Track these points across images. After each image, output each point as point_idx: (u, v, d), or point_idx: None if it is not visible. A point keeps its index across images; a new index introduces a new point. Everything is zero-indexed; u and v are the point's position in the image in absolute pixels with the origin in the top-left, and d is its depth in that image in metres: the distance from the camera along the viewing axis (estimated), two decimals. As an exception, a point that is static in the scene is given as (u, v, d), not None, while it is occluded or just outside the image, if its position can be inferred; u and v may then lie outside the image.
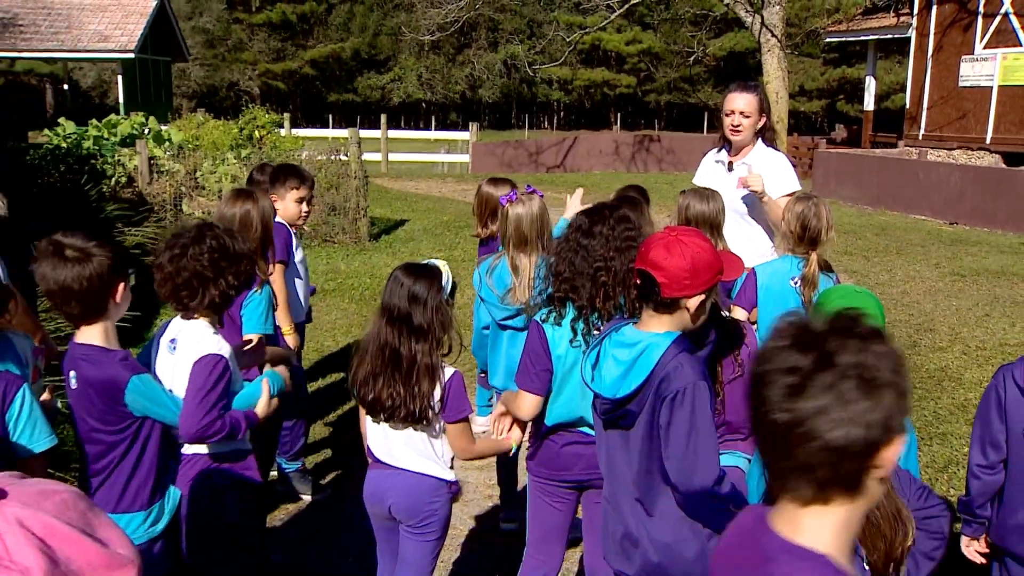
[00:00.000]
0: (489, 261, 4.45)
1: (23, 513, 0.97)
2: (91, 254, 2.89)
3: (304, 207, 5.17)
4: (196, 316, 3.17)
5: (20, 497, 0.99)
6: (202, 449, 3.22)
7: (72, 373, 3.01)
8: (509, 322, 4.33)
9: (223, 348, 3.14)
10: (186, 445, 3.21)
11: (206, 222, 3.32)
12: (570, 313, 3.26)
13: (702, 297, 2.74)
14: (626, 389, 2.72)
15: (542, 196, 4.41)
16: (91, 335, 3.00)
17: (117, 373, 2.95)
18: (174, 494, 3.20)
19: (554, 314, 3.29)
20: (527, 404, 3.35)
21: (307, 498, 5.20)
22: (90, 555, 0.99)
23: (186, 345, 3.13)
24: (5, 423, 2.77)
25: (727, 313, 3.79)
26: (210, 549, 3.30)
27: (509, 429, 3.51)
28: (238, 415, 3.16)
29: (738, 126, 5.07)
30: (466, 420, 3.27)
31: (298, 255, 5.14)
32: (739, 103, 5.06)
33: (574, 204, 4.77)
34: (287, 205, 5.07)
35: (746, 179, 4.96)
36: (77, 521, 1.01)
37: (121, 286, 3.00)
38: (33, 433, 2.81)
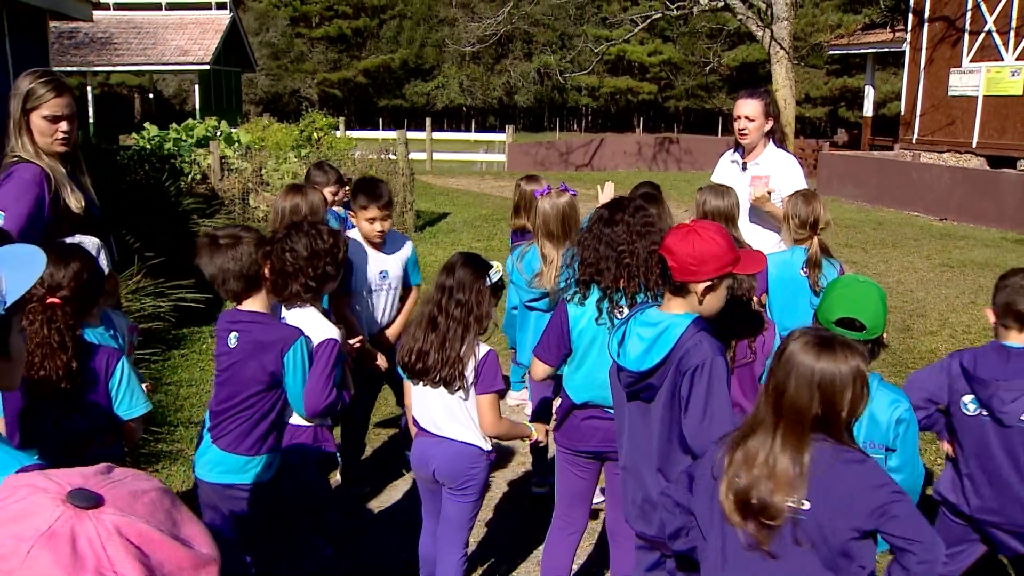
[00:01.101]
0: (521, 248, 4.43)
1: (120, 521, 0.95)
2: (239, 237, 3.05)
3: (377, 226, 4.35)
4: (298, 304, 3.23)
5: (115, 503, 0.97)
6: (296, 420, 3.25)
7: (233, 335, 3.11)
8: (534, 304, 4.31)
9: (335, 332, 3.23)
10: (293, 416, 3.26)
11: (296, 223, 3.37)
12: (595, 294, 3.24)
13: (708, 284, 2.70)
14: (649, 363, 2.71)
15: (575, 194, 4.33)
16: (255, 304, 3.13)
17: (289, 332, 3.10)
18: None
19: (578, 295, 3.28)
20: (538, 369, 3.42)
21: None
22: (179, 558, 0.98)
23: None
24: (108, 391, 2.82)
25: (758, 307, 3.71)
26: (290, 510, 3.36)
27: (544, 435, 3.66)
28: (344, 393, 3.26)
29: (743, 129, 5.06)
30: (496, 395, 3.24)
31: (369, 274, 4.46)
32: (745, 109, 5.04)
33: (607, 196, 4.69)
34: (360, 224, 4.40)
35: (755, 195, 4.92)
36: (165, 522, 0.99)
37: (269, 263, 3.13)
38: (132, 400, 2.88)
